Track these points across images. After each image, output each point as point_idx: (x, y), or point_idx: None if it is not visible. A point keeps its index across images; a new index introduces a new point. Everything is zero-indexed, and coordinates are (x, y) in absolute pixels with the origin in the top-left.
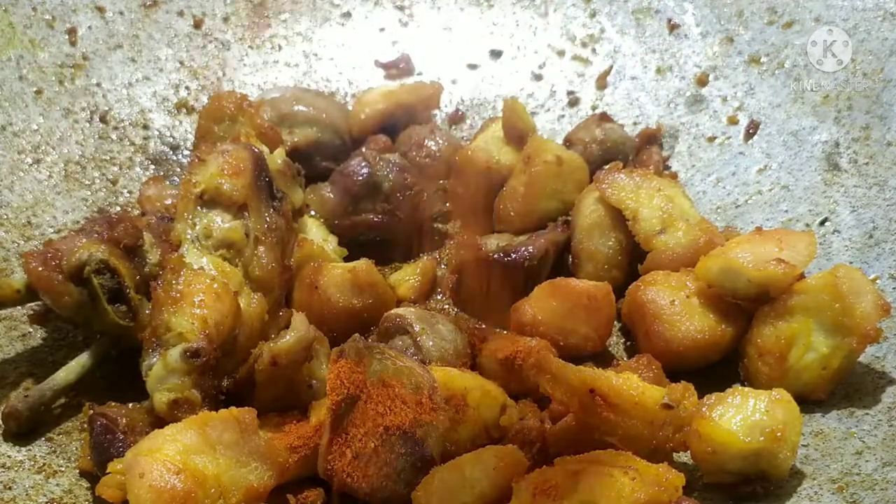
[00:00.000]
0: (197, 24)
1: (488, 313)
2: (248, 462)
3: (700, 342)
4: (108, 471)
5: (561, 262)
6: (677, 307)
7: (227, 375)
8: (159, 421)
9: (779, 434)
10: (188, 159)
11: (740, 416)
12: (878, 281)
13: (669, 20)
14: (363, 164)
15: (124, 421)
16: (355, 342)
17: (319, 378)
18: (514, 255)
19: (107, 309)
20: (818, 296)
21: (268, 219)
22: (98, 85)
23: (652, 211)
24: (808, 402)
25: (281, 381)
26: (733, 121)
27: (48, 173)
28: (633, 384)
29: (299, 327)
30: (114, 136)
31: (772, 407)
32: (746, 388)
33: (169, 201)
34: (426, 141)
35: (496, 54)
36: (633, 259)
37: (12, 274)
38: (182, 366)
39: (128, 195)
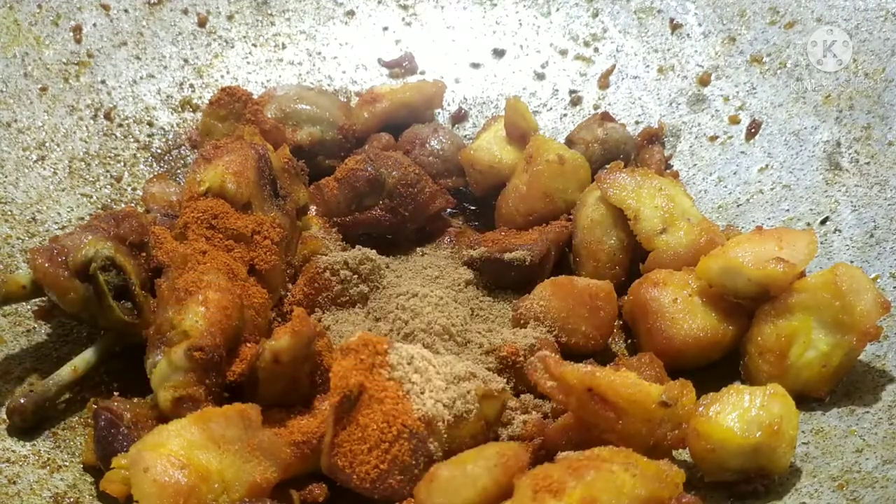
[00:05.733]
0: (201, 22)
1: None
2: (252, 457)
3: (702, 340)
4: (112, 465)
5: (563, 260)
6: (679, 305)
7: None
8: (163, 416)
9: (776, 428)
10: (192, 157)
11: (737, 413)
12: (878, 280)
13: (672, 20)
14: (366, 161)
15: (129, 415)
16: (361, 339)
17: (323, 374)
18: (515, 254)
19: (112, 306)
20: (818, 294)
21: (272, 217)
22: (103, 82)
23: (653, 210)
24: (809, 399)
25: (283, 378)
26: (735, 120)
27: (53, 170)
28: (630, 382)
29: (300, 324)
30: (118, 134)
31: (768, 402)
32: (742, 385)
33: (173, 198)
34: (429, 139)
35: (499, 53)
36: (634, 257)
37: (17, 270)
38: (186, 363)
39: (132, 192)
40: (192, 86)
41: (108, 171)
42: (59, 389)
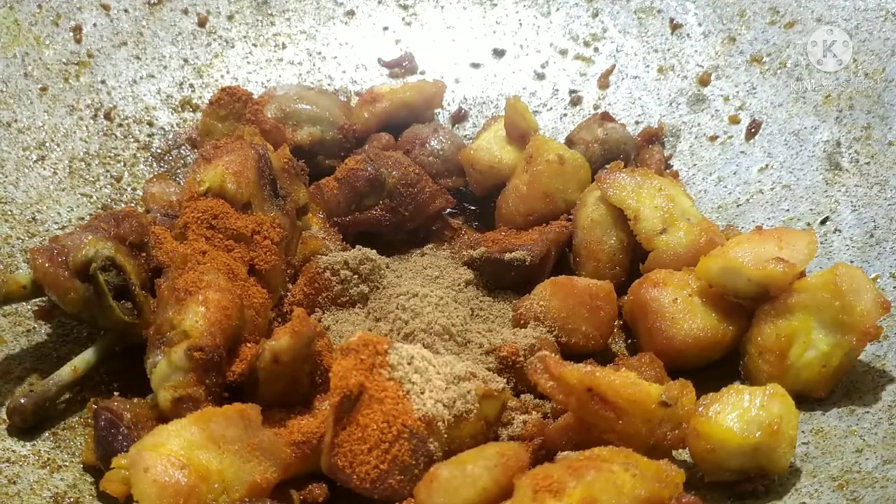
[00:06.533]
0: (201, 22)
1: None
2: (252, 457)
3: (702, 340)
4: (112, 465)
5: (563, 260)
6: (679, 305)
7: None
8: (163, 416)
9: (776, 428)
10: (192, 157)
11: (737, 413)
12: (878, 280)
13: (672, 20)
14: (366, 161)
15: (129, 415)
16: (361, 339)
17: (323, 374)
18: (515, 254)
19: (112, 306)
20: (818, 294)
21: (272, 217)
22: (103, 82)
23: (653, 210)
24: (809, 399)
25: (283, 378)
26: (735, 120)
27: (53, 170)
28: (630, 382)
29: (301, 324)
30: (118, 134)
31: (767, 402)
32: (742, 385)
33: (173, 198)
34: (429, 139)
35: (499, 53)
36: (634, 257)
37: (17, 270)
38: (186, 363)
39: (132, 192)
40: (192, 86)
41: (108, 171)
42: (59, 389)
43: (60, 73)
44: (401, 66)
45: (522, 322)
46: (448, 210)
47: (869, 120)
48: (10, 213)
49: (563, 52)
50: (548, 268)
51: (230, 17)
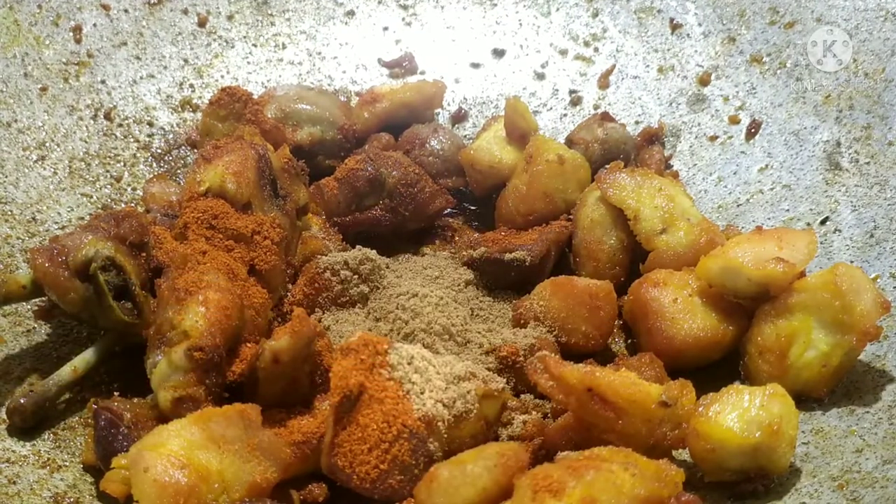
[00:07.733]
0: (201, 23)
1: None
2: (252, 457)
3: (702, 340)
4: (112, 465)
5: (563, 260)
6: (679, 305)
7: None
8: (163, 416)
9: (775, 428)
10: (192, 157)
11: (737, 413)
12: (878, 280)
13: (672, 20)
14: (366, 161)
15: (129, 415)
16: (361, 339)
17: (323, 374)
18: (515, 254)
19: (112, 306)
20: (818, 294)
21: (272, 217)
22: (103, 82)
23: (653, 210)
24: (809, 399)
25: (283, 378)
26: (735, 120)
27: (53, 170)
28: (630, 382)
29: (300, 324)
30: (118, 134)
31: (767, 402)
32: (742, 385)
33: (173, 198)
34: (429, 139)
35: (499, 53)
36: (634, 257)
37: (17, 270)
38: (186, 363)
39: (132, 192)
40: (192, 86)
41: (108, 171)
42: (59, 389)
43: (60, 73)
44: (401, 66)
45: (522, 322)
46: (448, 210)
47: (869, 120)
48: (10, 213)
49: (563, 52)
50: (548, 268)
51: (230, 17)
